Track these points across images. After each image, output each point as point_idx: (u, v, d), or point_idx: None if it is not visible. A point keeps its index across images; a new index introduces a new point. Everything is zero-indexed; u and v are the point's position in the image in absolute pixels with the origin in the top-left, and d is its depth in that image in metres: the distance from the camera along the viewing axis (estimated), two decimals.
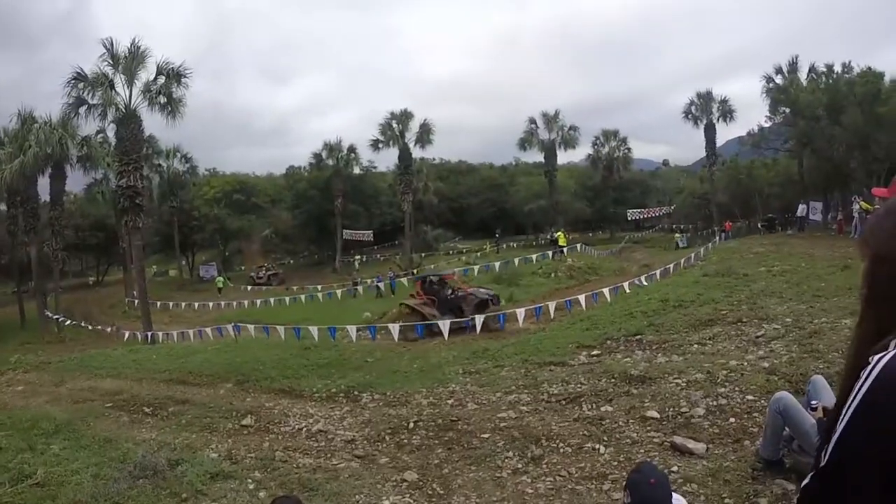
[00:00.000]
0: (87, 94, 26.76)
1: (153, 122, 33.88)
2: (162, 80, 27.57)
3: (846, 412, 1.24)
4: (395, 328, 15.53)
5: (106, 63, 26.60)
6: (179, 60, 28.59)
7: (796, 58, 39.37)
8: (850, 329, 7.71)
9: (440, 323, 15.55)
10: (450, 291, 19.04)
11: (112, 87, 26.70)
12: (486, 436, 6.66)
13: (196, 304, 33.63)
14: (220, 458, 6.77)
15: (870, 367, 1.22)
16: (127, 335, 24.13)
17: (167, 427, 8.53)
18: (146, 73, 27.36)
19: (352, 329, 15.77)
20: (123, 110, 26.91)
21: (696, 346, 8.91)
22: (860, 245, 1.40)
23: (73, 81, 26.41)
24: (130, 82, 26.97)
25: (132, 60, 26.73)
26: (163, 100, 27.59)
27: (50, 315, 32.86)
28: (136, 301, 31.71)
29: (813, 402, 4.49)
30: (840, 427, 1.24)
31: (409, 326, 16.24)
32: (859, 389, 1.22)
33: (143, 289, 28.41)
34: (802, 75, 38.41)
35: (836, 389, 4.59)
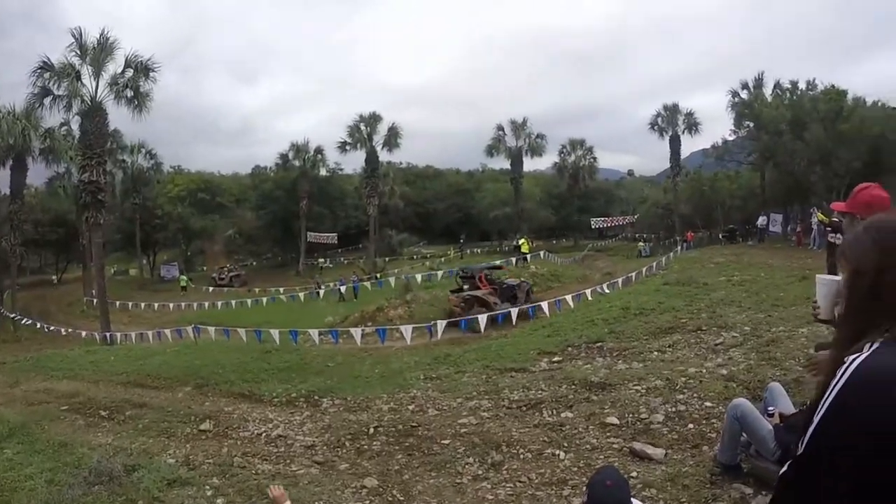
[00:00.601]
0: (53, 84, 26.08)
1: (119, 116, 32.94)
2: (130, 72, 26.99)
3: (821, 407, 1.30)
4: (357, 332, 15.42)
5: (73, 53, 25.99)
6: (148, 55, 27.97)
7: (762, 74, 40.55)
8: (806, 338, 7.92)
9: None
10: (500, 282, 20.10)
11: (78, 77, 26.04)
12: (446, 442, 6.64)
13: (156, 305, 33.05)
14: (177, 463, 6.64)
15: (844, 366, 1.29)
16: (84, 335, 23.60)
17: (124, 431, 8.35)
18: (114, 66, 26.81)
19: (314, 333, 15.64)
20: (89, 102, 26.29)
21: (656, 353, 9.03)
22: (839, 259, 1.48)
23: (38, 71, 25.73)
24: (97, 74, 26.36)
25: (100, 51, 26.09)
26: (130, 93, 26.97)
27: (6, 313, 32.00)
28: (95, 300, 31.05)
29: (770, 409, 4.59)
30: (815, 420, 1.31)
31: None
32: (833, 387, 1.29)
33: (103, 287, 27.75)
34: (768, 91, 39.44)
35: (792, 395, 4.72)
